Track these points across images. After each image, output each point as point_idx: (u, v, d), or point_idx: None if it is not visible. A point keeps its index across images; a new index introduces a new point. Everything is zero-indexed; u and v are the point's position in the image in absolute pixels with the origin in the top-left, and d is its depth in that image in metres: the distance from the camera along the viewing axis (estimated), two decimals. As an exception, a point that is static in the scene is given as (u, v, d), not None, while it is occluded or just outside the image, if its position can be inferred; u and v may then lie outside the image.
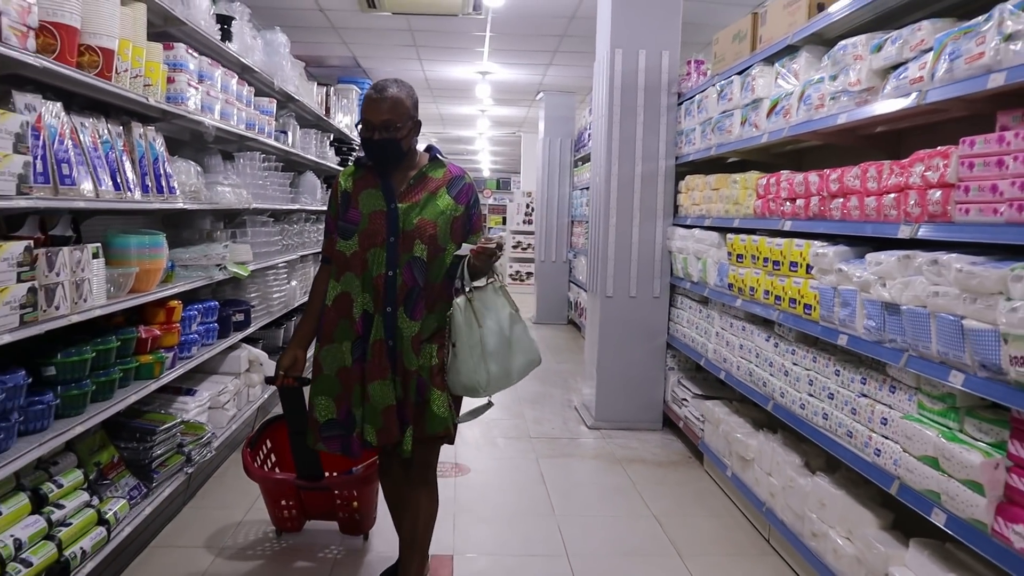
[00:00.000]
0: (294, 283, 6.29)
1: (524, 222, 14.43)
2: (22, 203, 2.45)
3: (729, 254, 4.30)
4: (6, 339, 2.38)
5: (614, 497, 4.42)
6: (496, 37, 8.07)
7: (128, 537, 3.19)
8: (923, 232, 2.52)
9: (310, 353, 3.01)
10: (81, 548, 2.81)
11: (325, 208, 7.59)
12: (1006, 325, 2.04)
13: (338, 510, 3.66)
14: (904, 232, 2.60)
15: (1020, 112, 2.22)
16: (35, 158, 2.57)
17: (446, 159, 3.00)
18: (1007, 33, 2.17)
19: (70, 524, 2.81)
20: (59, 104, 2.83)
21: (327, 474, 3.41)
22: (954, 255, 2.30)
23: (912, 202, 2.58)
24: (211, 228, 4.85)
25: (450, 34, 8.07)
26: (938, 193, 2.43)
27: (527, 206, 14.34)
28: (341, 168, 8.38)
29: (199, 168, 4.27)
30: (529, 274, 14.03)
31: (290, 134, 6.35)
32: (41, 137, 2.65)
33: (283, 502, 3.68)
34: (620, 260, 5.61)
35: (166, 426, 3.66)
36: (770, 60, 3.97)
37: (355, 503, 3.59)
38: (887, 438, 2.73)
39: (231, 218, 5.29)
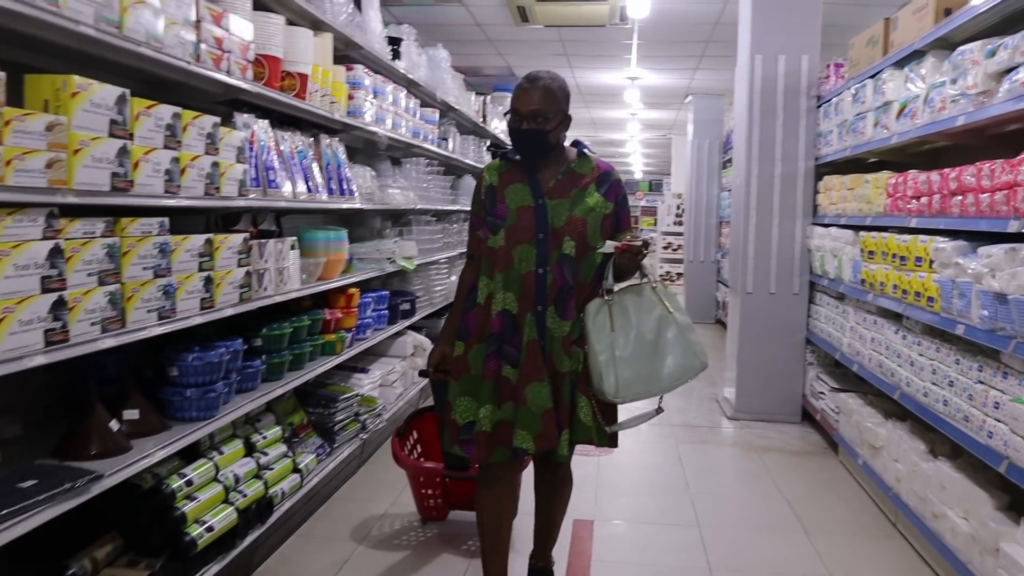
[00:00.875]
0: (453, 278, 6.85)
1: (675, 223, 14.60)
2: (241, 203, 3.02)
3: (862, 251, 4.48)
4: (229, 312, 2.95)
5: (747, 480, 4.69)
6: (643, 44, 8.39)
7: (314, 487, 3.75)
8: (992, 225, 2.71)
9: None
10: (281, 489, 3.38)
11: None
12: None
13: None
14: (1013, 226, 2.79)
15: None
16: (250, 167, 3.14)
17: (594, 154, 2.90)
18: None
19: (272, 469, 3.38)
20: (266, 121, 3.42)
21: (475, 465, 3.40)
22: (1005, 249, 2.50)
23: (1020, 198, 2.77)
24: (380, 226, 5.44)
25: (598, 43, 8.45)
26: (986, 196, 2.62)
27: (677, 207, 14.52)
28: (496, 172, 8.93)
29: (373, 172, 4.84)
30: (679, 274, 14.21)
31: (451, 141, 6.91)
32: (254, 149, 3.23)
33: (428, 491, 3.79)
34: (760, 258, 5.83)
35: (345, 396, 4.23)
36: (900, 64, 4.14)
37: None
38: (998, 421, 2.92)
39: (397, 217, 5.87)
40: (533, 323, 2.70)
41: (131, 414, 2.63)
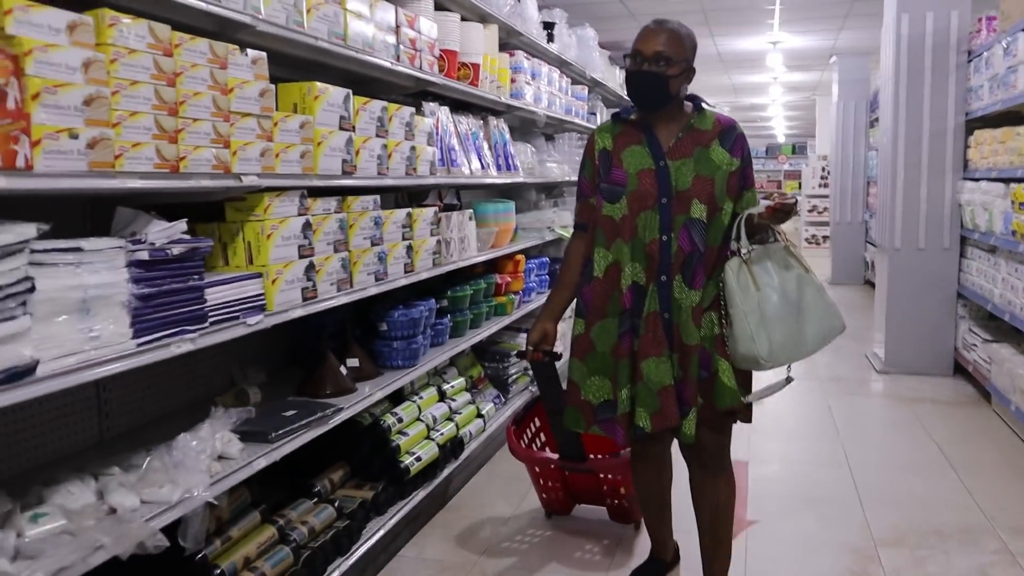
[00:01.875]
0: (603, 245, 7.23)
1: (820, 185, 14.43)
2: (431, 181, 3.50)
3: (1012, 202, 4.57)
4: (425, 275, 3.44)
5: (897, 427, 4.88)
6: (785, 8, 8.44)
7: (494, 432, 4.23)
8: None
9: (562, 327, 2.91)
10: (469, 431, 3.87)
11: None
12: None
13: (605, 495, 3.46)
14: None
15: None
16: (437, 148, 3.61)
17: (713, 107, 2.66)
18: None
19: (461, 413, 3.88)
20: (447, 107, 3.88)
21: (592, 456, 3.34)
22: None
23: None
24: (536, 198, 5.87)
25: (739, 9, 8.55)
26: None
27: (823, 169, 14.33)
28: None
29: (532, 148, 5.26)
30: (825, 237, 14.07)
31: (598, 115, 7.26)
32: (439, 133, 3.70)
33: (548, 483, 3.55)
34: (908, 215, 5.92)
35: (516, 352, 4.70)
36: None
37: (622, 488, 3.38)
38: None
39: (550, 189, 6.29)
40: (655, 294, 2.49)
41: (352, 362, 3.15)
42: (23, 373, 1.55)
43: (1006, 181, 4.81)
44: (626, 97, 8.55)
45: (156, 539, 1.82)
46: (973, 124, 5.72)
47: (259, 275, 2.33)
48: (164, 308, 1.92)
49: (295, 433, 2.50)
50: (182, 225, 1.97)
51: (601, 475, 3.37)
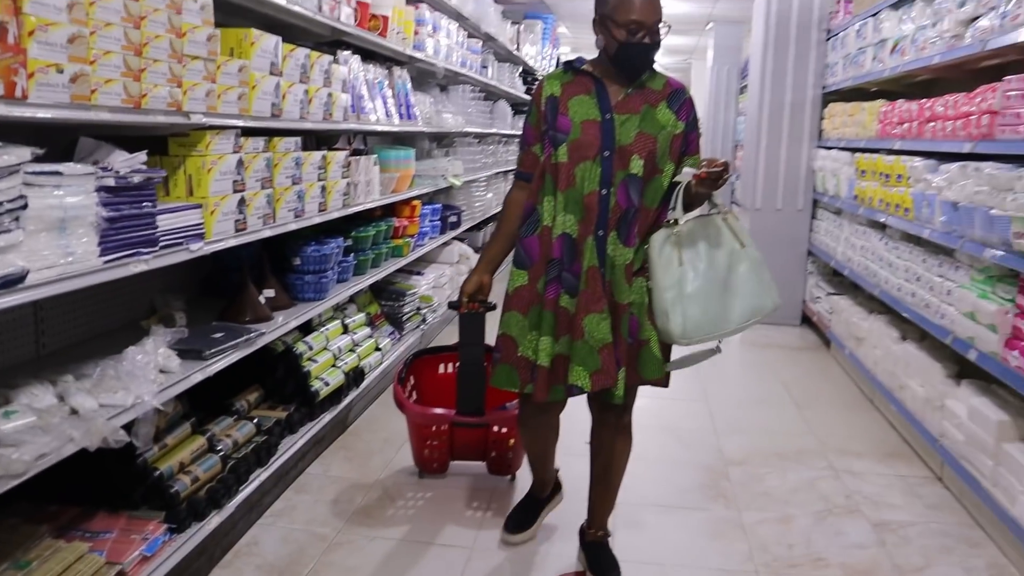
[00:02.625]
0: (490, 195, 7.57)
1: (691, 147, 15.17)
2: (344, 126, 3.75)
3: (856, 170, 5.17)
4: (336, 215, 3.70)
5: (750, 368, 5.48)
6: (668, -24, 8.93)
7: (389, 365, 4.53)
8: (978, 148, 3.40)
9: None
10: (368, 363, 4.18)
11: (516, 132, 8.83)
12: (1012, 210, 2.96)
13: (491, 448, 3.48)
14: (966, 147, 3.48)
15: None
16: (349, 96, 3.85)
17: (663, 68, 2.66)
18: (1032, 3, 3.02)
19: (361, 346, 4.17)
20: (358, 56, 4.10)
21: None
22: (989, 163, 3.20)
23: (973, 124, 3.45)
24: (429, 147, 6.14)
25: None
26: (987, 118, 3.30)
27: (695, 131, 15.06)
28: (527, 96, 9.59)
29: (431, 99, 5.52)
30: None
31: (489, 68, 7.54)
32: (351, 81, 3.93)
33: (432, 441, 3.46)
34: (769, 178, 6.51)
35: (411, 292, 5.01)
36: (895, 6, 4.75)
37: (511, 440, 3.43)
38: (948, 304, 3.65)
39: (441, 139, 6.56)
40: (594, 248, 2.48)
41: (269, 293, 3.39)
42: (16, 280, 1.77)
43: (852, 151, 5.41)
44: (516, 52, 8.88)
45: (117, 435, 2.07)
46: (829, 97, 6.31)
47: (199, 206, 2.55)
48: (125, 230, 2.14)
49: (226, 352, 2.75)
50: (142, 156, 2.19)
51: (494, 428, 3.37)
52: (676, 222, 2.44)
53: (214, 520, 2.60)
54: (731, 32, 11.59)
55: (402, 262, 4.90)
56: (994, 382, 3.42)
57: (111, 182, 2.07)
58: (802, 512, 3.34)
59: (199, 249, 2.52)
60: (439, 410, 3.38)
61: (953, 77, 4.40)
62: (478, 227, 7.31)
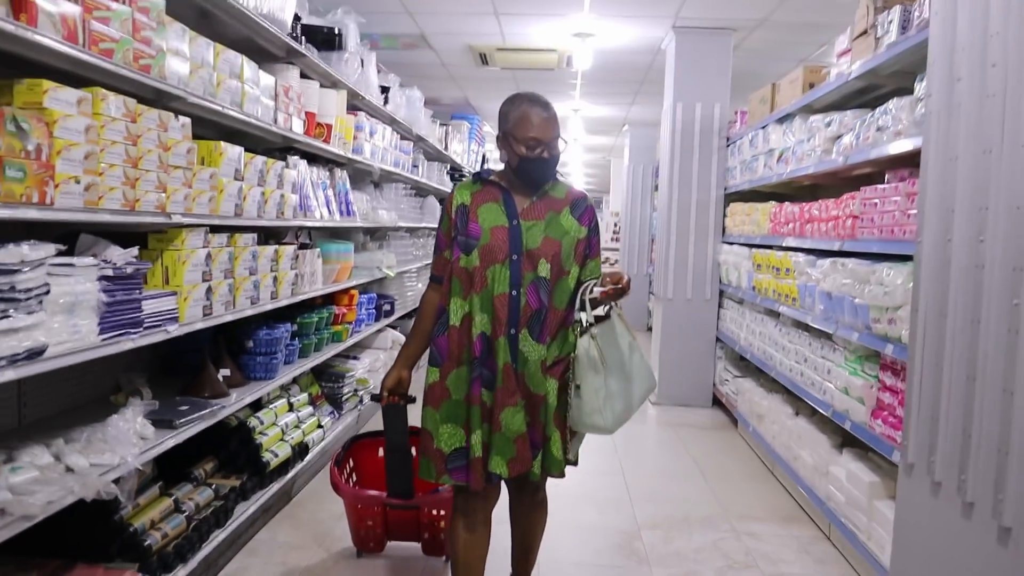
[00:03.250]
0: (420, 285, 8.01)
1: (612, 239, 15.91)
2: (293, 223, 4.16)
3: (753, 264, 5.77)
4: (286, 302, 4.07)
5: (663, 446, 5.94)
6: (586, 84, 9.66)
7: (330, 442, 4.85)
8: (845, 246, 3.98)
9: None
10: (312, 439, 4.50)
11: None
12: (869, 299, 3.51)
13: (424, 530, 3.62)
14: (835, 245, 4.07)
15: (898, 172, 3.67)
16: (298, 196, 4.27)
17: (566, 179, 2.92)
18: (878, 126, 3.65)
19: (305, 423, 4.50)
20: (304, 160, 4.55)
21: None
22: (853, 259, 3.78)
23: (840, 226, 4.05)
24: (363, 240, 6.57)
25: (547, 81, 9.67)
26: (850, 220, 3.90)
27: (615, 224, 15.84)
28: (455, 192, 10.13)
29: (367, 196, 5.98)
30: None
31: (420, 167, 8.07)
32: (299, 182, 4.36)
33: (367, 521, 3.63)
34: (679, 270, 7.10)
35: (349, 374, 5.36)
36: (780, 121, 5.44)
37: (442, 523, 3.57)
38: (828, 382, 4.18)
39: (373, 232, 7.00)
40: (507, 346, 2.66)
41: (225, 372, 3.72)
42: (39, 352, 2.11)
43: (749, 246, 6.03)
44: (445, 151, 9.47)
45: (109, 488, 2.39)
46: (730, 197, 6.99)
47: (174, 293, 2.92)
48: (118, 313, 2.50)
49: (193, 422, 3.09)
50: (135, 251, 2.56)
51: (424, 510, 3.53)
52: (590, 325, 2.68)
53: (180, 573, 2.89)
54: (645, 134, 12.43)
55: (341, 347, 5.26)
56: (870, 450, 3.93)
57: (110, 272, 2.44)
58: (706, 568, 3.75)
59: (174, 331, 2.88)
60: (371, 492, 3.58)
61: (831, 183, 5.06)
62: (409, 315, 7.70)
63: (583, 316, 2.69)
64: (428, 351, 2.82)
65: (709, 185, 7.04)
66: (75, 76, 2.47)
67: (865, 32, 3.94)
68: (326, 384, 5.21)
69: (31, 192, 2.06)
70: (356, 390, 5.55)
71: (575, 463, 2.85)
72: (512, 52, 8.06)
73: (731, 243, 6.69)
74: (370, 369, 6.09)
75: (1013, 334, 1.65)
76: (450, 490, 3.13)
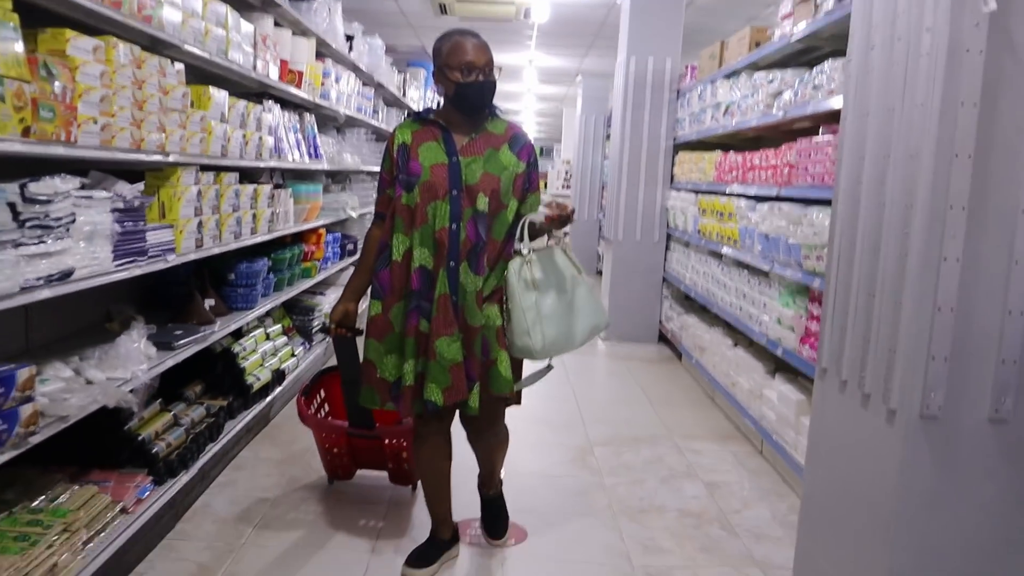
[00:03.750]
0: (380, 228, 8.28)
1: (563, 187, 16.25)
2: (271, 164, 4.40)
3: (699, 209, 6.15)
4: (263, 238, 4.33)
5: (613, 376, 6.36)
6: (542, 36, 9.90)
7: (302, 371, 5.16)
8: (782, 192, 4.36)
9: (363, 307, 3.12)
10: (287, 366, 4.80)
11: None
12: (801, 239, 3.90)
13: (388, 460, 3.69)
14: (774, 191, 4.45)
15: (831, 126, 4.03)
16: (268, 138, 4.51)
17: (505, 115, 2.98)
18: (814, 84, 4.00)
19: (280, 352, 4.79)
20: (278, 105, 4.77)
21: (377, 424, 3.54)
22: (788, 204, 4.16)
23: (778, 175, 4.42)
24: (326, 183, 6.80)
25: (504, 31, 9.88)
26: (787, 169, 4.27)
27: (566, 172, 16.17)
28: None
29: (333, 140, 6.21)
30: (566, 233, 15.88)
31: (380, 112, 8.27)
32: (272, 126, 4.59)
33: (334, 449, 3.73)
34: (629, 214, 7.47)
35: (317, 308, 5.65)
36: (728, 76, 5.78)
37: (404, 453, 3.63)
38: (764, 315, 4.60)
39: (336, 175, 7.24)
40: (445, 278, 2.74)
41: (210, 301, 4.00)
42: (68, 275, 2.39)
43: (696, 192, 6.41)
44: (402, 98, 9.65)
45: (127, 398, 2.69)
46: (679, 147, 7.34)
47: (171, 226, 3.18)
48: (128, 242, 2.76)
49: (188, 345, 3.38)
50: (140, 186, 2.82)
51: (386, 440, 3.57)
52: (529, 252, 2.78)
53: (183, 478, 3.21)
54: (598, 84, 12.71)
55: (310, 282, 5.54)
56: (799, 374, 4.36)
57: (121, 205, 2.70)
58: (651, 476, 4.17)
59: (172, 260, 3.15)
60: (335, 422, 3.69)
61: (772, 135, 5.42)
62: (371, 257, 7.98)
63: (520, 246, 2.79)
64: (372, 285, 2.90)
65: (659, 135, 7.38)
66: (86, 25, 2.69)
67: (804, -4, 4.28)
68: (297, 317, 5.50)
69: (59, 131, 2.31)
70: (324, 323, 5.84)
71: (518, 402, 3.00)
72: (471, 3, 8.27)
73: (679, 190, 7.06)
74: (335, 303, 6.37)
75: (903, 258, 2.02)
76: (411, 420, 3.21)
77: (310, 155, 5.42)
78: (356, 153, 6.96)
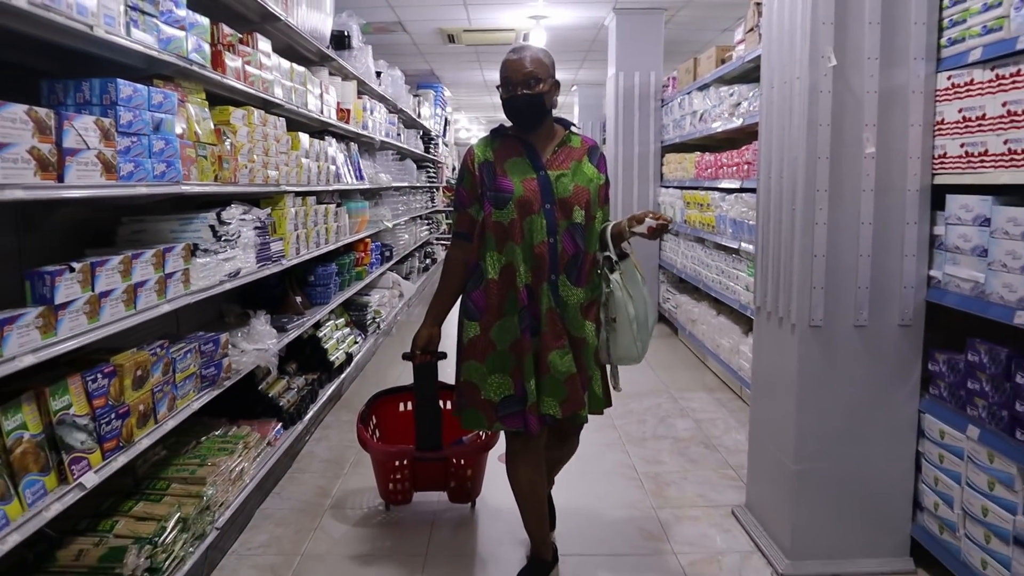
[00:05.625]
0: (406, 236, 9.40)
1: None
2: (334, 187, 5.51)
3: (684, 202, 7.24)
4: (332, 247, 5.43)
5: (620, 350, 7.45)
6: (539, 54, 11.02)
7: (362, 356, 6.26)
8: (744, 184, 5.44)
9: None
10: (353, 351, 5.90)
11: (419, 185, 10.65)
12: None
13: (451, 479, 3.76)
14: (737, 184, 5.54)
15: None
16: (331, 166, 5.62)
17: (580, 131, 3.00)
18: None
19: (347, 340, 5.90)
20: (335, 139, 5.88)
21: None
22: (747, 193, 5.25)
23: (742, 171, 5.51)
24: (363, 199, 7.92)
25: (504, 53, 10.99)
26: (746, 166, 5.36)
27: (568, 176, 17.23)
28: (427, 154, 11.50)
29: (370, 163, 7.32)
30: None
31: (402, 135, 9.40)
32: (332, 156, 5.70)
33: (395, 475, 3.73)
34: (626, 210, 8.53)
35: (369, 306, 6.76)
36: (701, 88, 6.87)
37: (469, 471, 3.73)
38: (736, 284, 5.68)
39: (369, 192, 8.35)
40: (549, 292, 2.75)
41: (297, 298, 5.10)
42: (236, 274, 3.49)
43: (681, 188, 7.49)
44: (418, 119, 10.77)
45: (272, 361, 3.79)
46: (666, 149, 8.43)
47: (282, 239, 4.28)
48: (263, 251, 3.86)
49: (293, 329, 4.48)
50: (268, 211, 3.93)
51: (452, 460, 3.68)
52: (616, 262, 2.85)
53: (299, 427, 4.32)
54: (592, 93, 13.83)
55: (361, 284, 6.64)
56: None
57: (260, 224, 3.80)
58: (651, 417, 5.27)
59: (286, 263, 4.25)
60: (400, 447, 3.70)
61: (741, 137, 6.51)
62: (401, 261, 9.10)
63: (611, 254, 2.85)
64: (462, 307, 2.92)
65: (648, 139, 8.47)
66: (225, 98, 3.80)
67: (752, 29, 5.38)
68: (353, 313, 6.61)
69: (232, 176, 3.43)
70: (373, 318, 6.95)
71: (610, 403, 3.09)
72: (476, 32, 9.39)
73: (667, 186, 8.15)
74: (380, 303, 7.49)
75: (792, 224, 3.09)
76: (474, 440, 3.65)
77: (356, 177, 6.52)
78: (387, 172, 8.07)
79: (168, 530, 2.66)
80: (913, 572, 3.18)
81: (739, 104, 5.69)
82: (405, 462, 3.71)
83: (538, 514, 3.06)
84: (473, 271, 2.85)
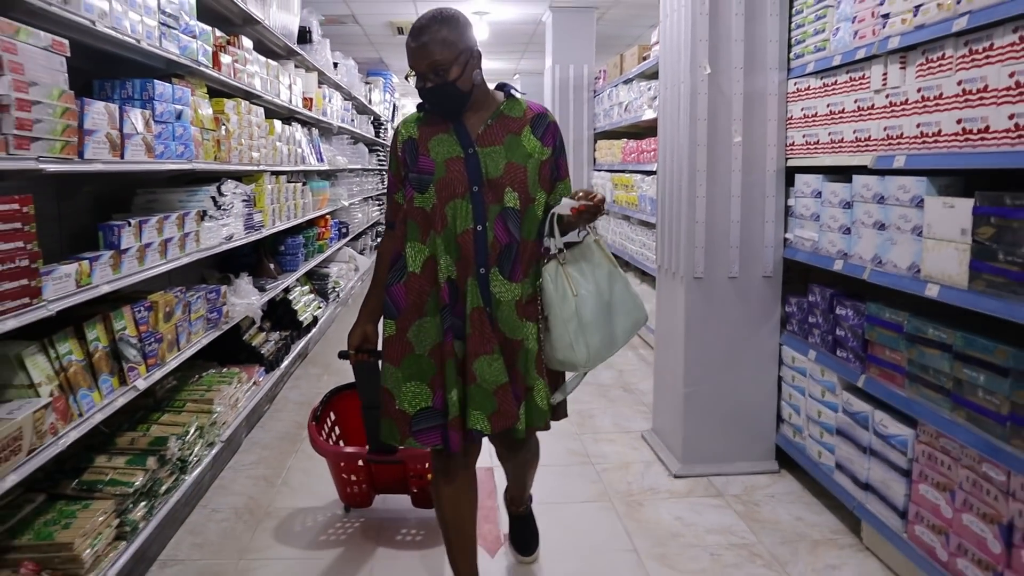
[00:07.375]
0: (360, 215, 10.12)
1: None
2: (300, 167, 6.22)
3: (613, 184, 8.08)
4: (301, 220, 6.14)
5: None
6: (483, 46, 11.65)
7: (326, 320, 6.98)
8: (651, 167, 6.27)
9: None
10: (317, 315, 6.63)
11: (371, 167, 11.47)
12: (668, 199, 5.84)
13: (412, 484, 3.43)
14: (653, 167, 6.37)
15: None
16: (298, 149, 6.32)
17: (524, 95, 2.55)
18: (672, 93, 5.94)
19: (311, 304, 6.62)
20: (299, 124, 6.58)
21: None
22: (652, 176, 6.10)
23: (654, 156, 6.34)
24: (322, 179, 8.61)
25: (451, 43, 11.73)
26: (651, 152, 6.20)
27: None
28: (377, 138, 12.21)
29: (328, 146, 8.02)
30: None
31: (355, 120, 10.08)
32: (298, 140, 6.40)
33: (351, 477, 3.45)
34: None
35: (328, 277, 7.49)
36: (626, 82, 7.69)
37: (429, 475, 3.32)
38: (652, 254, 6.51)
39: (326, 173, 9.04)
40: (476, 288, 2.37)
41: (270, 265, 5.81)
42: (231, 238, 4.20)
43: (611, 171, 8.33)
44: (369, 105, 11.44)
45: (257, 312, 4.51)
46: (598, 136, 9.26)
47: (261, 211, 4.99)
48: (248, 221, 4.57)
49: (275, 289, 5.20)
50: (251, 187, 4.65)
51: (410, 464, 3.33)
52: (560, 251, 2.41)
53: (276, 373, 5.05)
54: (533, 81, 14.58)
55: (322, 256, 7.35)
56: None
57: (246, 197, 4.52)
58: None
59: (264, 232, 4.96)
60: (352, 449, 3.39)
61: (661, 124, 7.36)
62: (356, 238, 9.82)
63: (551, 242, 2.42)
64: (384, 303, 2.52)
65: (583, 127, 9.29)
66: (219, 91, 4.49)
67: (665, 30, 6.20)
68: (316, 282, 7.33)
69: (226, 156, 4.14)
70: (333, 287, 7.68)
71: (564, 415, 2.63)
72: (424, 25, 10.09)
73: (600, 170, 8.99)
74: (339, 275, 8.21)
75: (680, 198, 3.93)
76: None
77: (318, 159, 7.23)
78: (343, 155, 8.77)
79: (191, 432, 3.40)
80: (777, 471, 4.06)
81: (655, 98, 6.52)
82: (360, 463, 3.40)
83: (462, 545, 2.62)
84: (395, 262, 2.49)
